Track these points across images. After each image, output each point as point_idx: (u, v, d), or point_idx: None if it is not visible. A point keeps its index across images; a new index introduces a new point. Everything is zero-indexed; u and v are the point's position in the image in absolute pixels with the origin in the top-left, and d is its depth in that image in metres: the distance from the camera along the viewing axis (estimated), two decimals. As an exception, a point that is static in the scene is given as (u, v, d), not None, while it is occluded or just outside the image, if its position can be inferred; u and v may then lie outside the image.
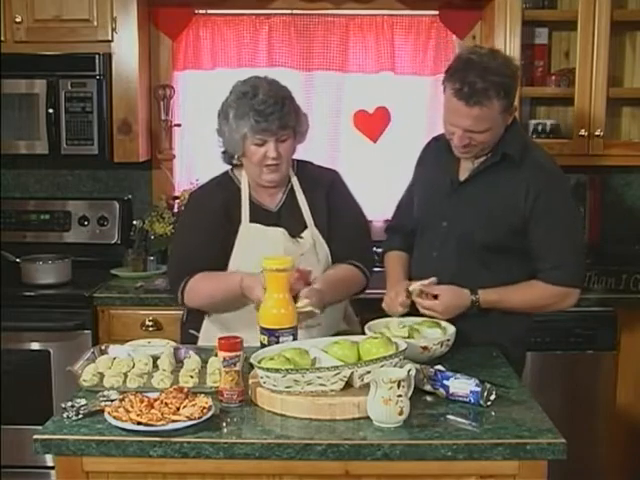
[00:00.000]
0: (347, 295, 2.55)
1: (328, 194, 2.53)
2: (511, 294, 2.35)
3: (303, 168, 2.57)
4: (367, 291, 2.62)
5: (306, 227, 2.49)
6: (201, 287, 2.43)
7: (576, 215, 2.46)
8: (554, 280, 2.32)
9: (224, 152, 2.52)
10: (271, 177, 2.43)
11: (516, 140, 2.36)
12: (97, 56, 3.38)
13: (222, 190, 2.51)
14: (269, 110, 2.33)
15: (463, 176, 2.41)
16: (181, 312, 2.78)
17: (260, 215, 2.48)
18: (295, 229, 2.47)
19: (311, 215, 2.50)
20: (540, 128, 3.58)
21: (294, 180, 2.53)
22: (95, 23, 3.39)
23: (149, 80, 3.68)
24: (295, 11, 3.67)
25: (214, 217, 2.46)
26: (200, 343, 2.49)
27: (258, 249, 2.36)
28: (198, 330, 2.54)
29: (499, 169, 2.35)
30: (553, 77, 3.54)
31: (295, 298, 2.24)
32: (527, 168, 2.32)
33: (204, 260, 2.43)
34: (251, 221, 2.46)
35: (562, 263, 2.32)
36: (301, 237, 2.48)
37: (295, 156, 2.53)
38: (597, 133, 3.37)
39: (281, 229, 2.45)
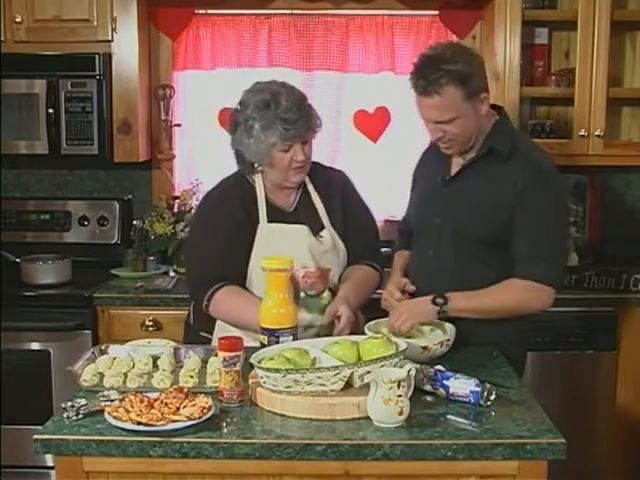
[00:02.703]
0: (368, 297, 2.55)
1: (342, 196, 2.57)
2: (480, 295, 2.31)
3: (314, 168, 2.57)
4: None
5: (323, 227, 2.51)
6: (227, 306, 2.42)
7: (562, 214, 2.41)
8: (524, 273, 2.28)
9: (242, 162, 2.50)
10: (297, 178, 2.46)
11: (504, 135, 2.38)
12: (97, 56, 3.38)
13: (240, 191, 2.51)
14: (295, 117, 2.35)
15: (454, 172, 2.43)
16: (182, 312, 2.78)
17: (277, 215, 2.48)
18: (314, 228, 2.49)
19: (327, 216, 2.52)
20: (540, 128, 3.58)
21: (307, 180, 2.54)
22: (95, 23, 3.39)
23: (149, 80, 3.68)
24: (295, 11, 3.67)
25: (235, 217, 2.45)
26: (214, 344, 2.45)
27: (280, 248, 2.35)
28: (210, 332, 2.50)
29: (488, 164, 2.36)
30: (553, 77, 3.54)
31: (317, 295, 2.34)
32: (517, 162, 2.32)
33: (229, 261, 2.42)
34: (269, 221, 2.46)
35: (536, 256, 2.28)
36: (321, 236, 2.49)
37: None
38: (597, 133, 3.37)
39: (304, 227, 2.46)
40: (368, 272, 2.57)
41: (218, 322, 2.50)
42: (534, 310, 2.37)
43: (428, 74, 2.23)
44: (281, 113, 2.35)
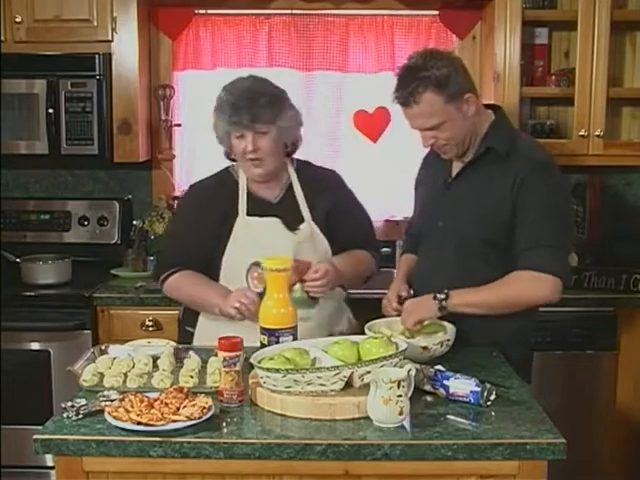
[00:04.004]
0: (361, 272, 2.63)
1: (332, 192, 2.59)
2: (481, 290, 2.30)
3: (302, 166, 2.62)
4: (367, 291, 2.65)
5: (303, 220, 2.53)
6: (183, 288, 2.53)
7: (562, 204, 2.35)
8: (525, 263, 2.26)
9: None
10: (257, 172, 2.49)
11: (502, 134, 2.38)
12: (97, 56, 3.38)
13: (221, 184, 2.57)
14: (241, 104, 2.41)
15: (454, 175, 2.44)
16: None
17: (259, 207, 2.51)
18: (293, 221, 2.51)
19: (309, 210, 2.53)
20: (540, 128, 3.58)
21: (293, 175, 2.57)
22: (95, 23, 3.39)
23: (149, 80, 3.68)
24: (295, 11, 3.67)
25: (210, 211, 2.51)
26: (195, 339, 2.53)
27: (254, 240, 2.43)
28: (194, 326, 2.56)
29: (487, 164, 2.36)
30: (553, 77, 3.54)
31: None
32: (515, 160, 2.32)
33: (193, 252, 2.51)
34: (249, 214, 2.50)
35: (535, 245, 2.25)
36: (299, 229, 2.51)
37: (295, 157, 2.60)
38: (597, 133, 3.37)
39: (276, 219, 2.49)
40: (361, 252, 2.63)
41: (200, 316, 2.55)
42: (538, 301, 2.33)
43: (405, 85, 2.27)
44: (231, 99, 2.44)
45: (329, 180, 2.65)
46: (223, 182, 2.57)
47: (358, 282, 2.65)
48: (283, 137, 2.49)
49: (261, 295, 2.29)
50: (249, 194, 2.53)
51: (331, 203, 2.56)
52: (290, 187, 2.56)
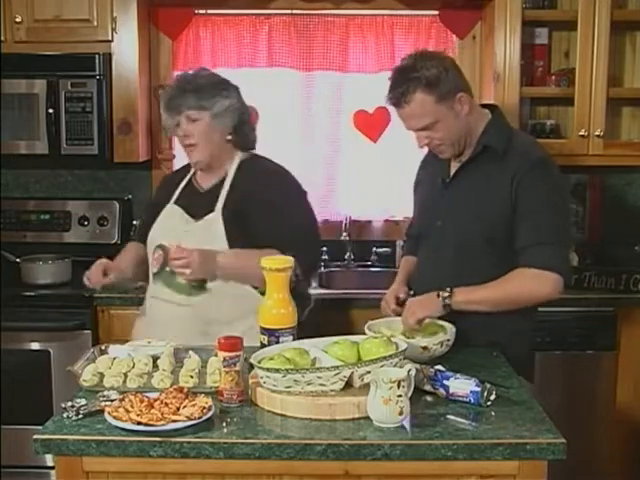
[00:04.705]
0: (259, 278, 2.26)
1: (255, 186, 2.54)
2: (485, 287, 2.29)
3: (250, 159, 2.63)
4: (367, 291, 2.63)
5: (212, 210, 2.53)
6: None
7: (560, 201, 2.35)
8: (525, 261, 2.26)
9: None
10: (192, 158, 2.59)
11: (498, 133, 2.38)
12: (97, 56, 3.38)
13: (179, 173, 2.74)
14: (172, 92, 2.56)
15: (452, 174, 2.44)
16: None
17: (188, 194, 2.63)
18: (202, 211, 2.54)
19: (223, 200, 2.53)
20: (540, 128, 3.58)
21: (232, 168, 2.59)
22: (95, 23, 3.39)
23: (149, 80, 3.68)
24: (295, 11, 3.67)
25: (158, 196, 2.75)
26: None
27: (164, 224, 2.60)
28: None
29: (485, 162, 2.36)
30: (553, 77, 3.54)
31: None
32: (513, 159, 2.32)
33: (140, 230, 2.79)
34: (177, 201, 2.62)
35: (535, 243, 2.26)
36: (202, 219, 2.53)
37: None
38: (597, 133, 3.37)
39: (177, 207, 2.59)
40: (268, 252, 2.36)
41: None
42: (540, 298, 2.32)
43: (396, 86, 2.30)
44: (166, 89, 2.63)
45: (261, 175, 2.58)
46: (181, 171, 2.73)
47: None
48: (216, 124, 2.53)
49: (156, 274, 2.52)
50: (190, 182, 2.65)
51: (248, 197, 2.51)
52: (224, 178, 2.59)
